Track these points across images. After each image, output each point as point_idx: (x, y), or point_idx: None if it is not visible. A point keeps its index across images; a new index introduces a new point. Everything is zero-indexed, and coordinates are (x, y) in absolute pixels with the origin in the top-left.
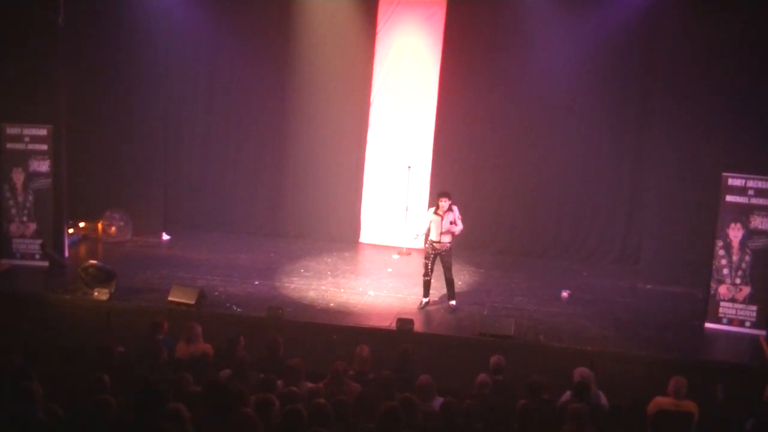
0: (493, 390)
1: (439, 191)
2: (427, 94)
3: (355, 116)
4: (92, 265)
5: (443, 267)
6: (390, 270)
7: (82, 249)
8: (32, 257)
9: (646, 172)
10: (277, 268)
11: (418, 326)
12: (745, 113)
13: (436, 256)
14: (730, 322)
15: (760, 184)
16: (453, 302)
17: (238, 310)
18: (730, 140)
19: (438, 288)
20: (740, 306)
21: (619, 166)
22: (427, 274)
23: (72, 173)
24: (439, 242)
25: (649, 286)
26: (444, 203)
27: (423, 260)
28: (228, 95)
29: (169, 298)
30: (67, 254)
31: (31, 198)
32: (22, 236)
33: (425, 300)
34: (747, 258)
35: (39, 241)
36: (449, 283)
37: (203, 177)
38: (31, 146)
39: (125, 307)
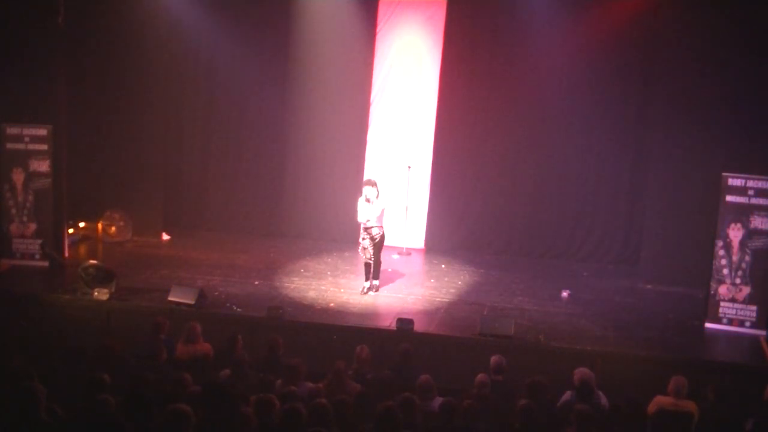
0: (493, 390)
1: (365, 180)
2: (427, 94)
3: (355, 116)
4: (92, 265)
5: (374, 249)
6: (390, 270)
7: (82, 249)
8: (32, 257)
9: (646, 172)
10: (277, 268)
11: (418, 326)
12: (745, 113)
13: (372, 240)
14: (730, 322)
15: (760, 184)
16: (377, 281)
17: (238, 310)
18: (730, 140)
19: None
20: (740, 306)
21: (619, 166)
22: (370, 258)
23: (72, 173)
24: (372, 227)
25: (649, 286)
26: (371, 190)
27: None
28: (228, 95)
29: (169, 298)
30: (67, 254)
31: (31, 198)
32: (22, 236)
33: (367, 285)
34: (747, 258)
35: (39, 241)
36: (376, 264)
37: (203, 177)
38: (31, 146)
39: (125, 307)
